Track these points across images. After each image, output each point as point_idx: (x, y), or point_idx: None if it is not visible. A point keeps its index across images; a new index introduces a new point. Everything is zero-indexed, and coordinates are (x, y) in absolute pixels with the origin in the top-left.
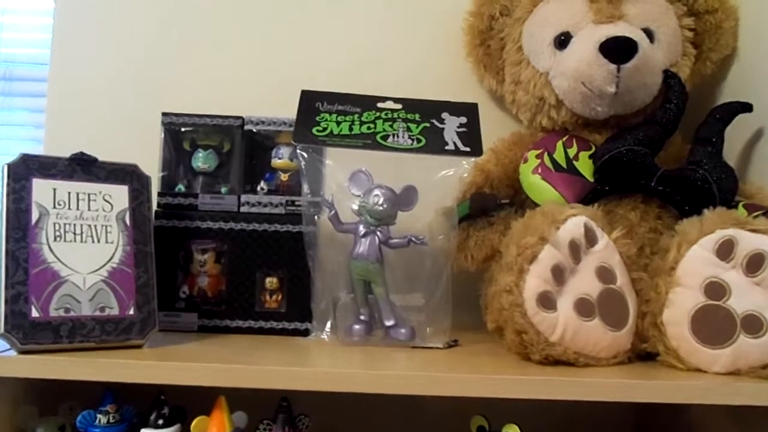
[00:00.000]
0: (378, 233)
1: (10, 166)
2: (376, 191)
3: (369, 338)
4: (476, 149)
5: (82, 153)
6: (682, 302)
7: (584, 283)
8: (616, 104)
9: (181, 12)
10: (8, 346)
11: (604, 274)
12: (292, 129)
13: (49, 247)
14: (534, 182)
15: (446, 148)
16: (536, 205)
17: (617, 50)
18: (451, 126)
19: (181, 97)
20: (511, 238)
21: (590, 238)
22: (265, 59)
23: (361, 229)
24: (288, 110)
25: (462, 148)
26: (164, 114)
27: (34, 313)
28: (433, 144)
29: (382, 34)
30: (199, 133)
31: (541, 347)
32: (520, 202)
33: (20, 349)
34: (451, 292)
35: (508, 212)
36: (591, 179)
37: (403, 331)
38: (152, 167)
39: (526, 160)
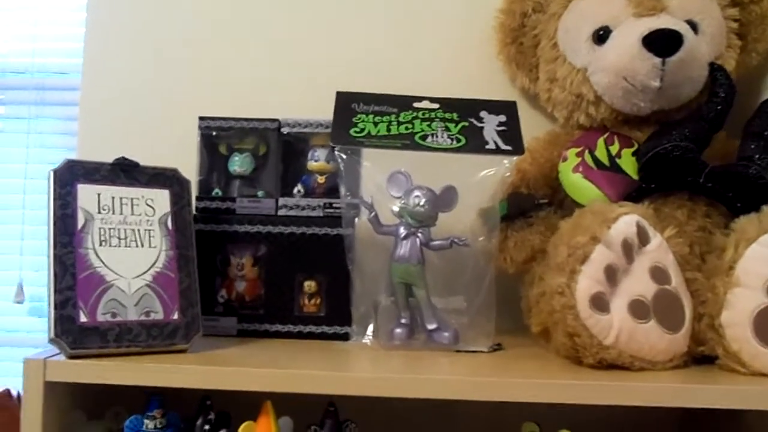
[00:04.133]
0: (419, 235)
1: (56, 172)
2: (416, 192)
3: (411, 342)
4: (518, 147)
5: (123, 158)
6: (742, 303)
7: (638, 283)
8: (659, 99)
9: (213, 16)
10: (57, 351)
11: (658, 274)
12: (328, 131)
13: (95, 252)
14: (575, 181)
15: (487, 147)
16: (577, 204)
17: (662, 43)
18: (491, 125)
19: (215, 100)
20: (560, 239)
21: (643, 237)
22: (299, 61)
23: (402, 230)
24: (322, 112)
25: (503, 146)
26: (201, 118)
27: (82, 318)
28: (474, 143)
29: (412, 34)
30: (235, 137)
31: (594, 351)
32: (559, 201)
33: (69, 354)
34: (494, 295)
35: (547, 212)
36: (635, 177)
37: (446, 334)
38: (187, 172)
39: (565, 159)
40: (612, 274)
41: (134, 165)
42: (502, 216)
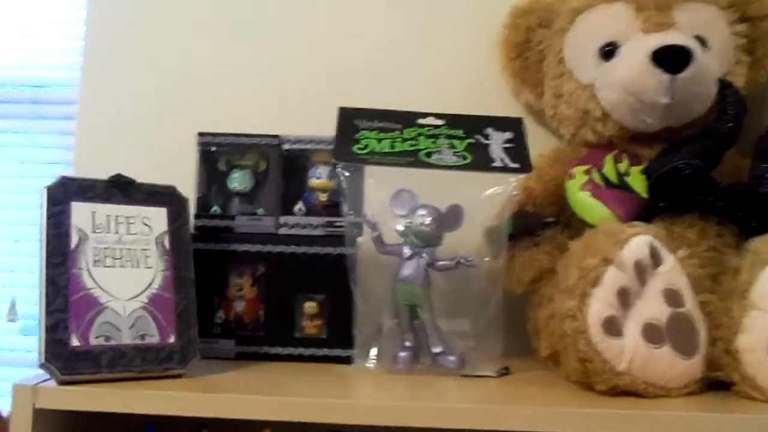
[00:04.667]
0: (424, 255)
1: (49, 189)
2: (421, 211)
3: (415, 366)
4: (525, 165)
5: (119, 175)
6: (759, 327)
7: (651, 306)
8: (668, 116)
9: (213, 32)
10: (48, 376)
11: (672, 296)
12: (330, 147)
13: (89, 273)
14: (583, 200)
15: (494, 164)
16: (585, 223)
17: (671, 59)
18: (497, 141)
19: (215, 116)
20: (570, 260)
21: (656, 259)
22: (301, 76)
23: (406, 250)
24: (324, 129)
25: (510, 164)
26: (200, 134)
27: (75, 342)
28: (480, 160)
29: (416, 49)
30: (234, 153)
31: (607, 377)
32: (565, 219)
33: (60, 380)
34: (501, 317)
35: (553, 231)
36: (644, 195)
37: (451, 358)
38: (186, 189)
39: (572, 177)
40: (625, 297)
41: (130, 182)
42: (508, 235)
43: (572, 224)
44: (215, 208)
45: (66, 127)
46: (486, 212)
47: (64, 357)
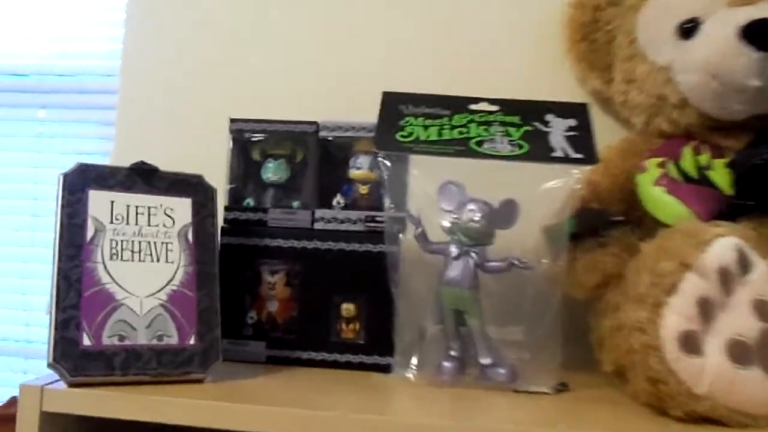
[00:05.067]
0: (473, 255)
1: (66, 176)
2: (471, 206)
3: (461, 378)
4: (590, 156)
5: (142, 162)
6: None
7: (738, 320)
8: (758, 101)
9: (250, 14)
10: (57, 378)
11: (763, 309)
12: (372, 135)
13: (105, 267)
14: (657, 196)
15: (554, 154)
16: (659, 222)
17: (763, 35)
18: (558, 129)
19: (254, 104)
20: (642, 264)
21: (744, 264)
22: (340, 60)
23: (453, 249)
24: (367, 116)
25: (573, 154)
26: (232, 120)
27: (86, 341)
28: (538, 150)
29: (467, 29)
30: (269, 142)
31: (682, 400)
32: (636, 218)
33: (69, 382)
34: (560, 326)
35: (621, 231)
36: (728, 192)
37: (502, 371)
38: (225, 181)
39: (644, 170)
40: (706, 309)
41: (153, 170)
42: (570, 235)
43: (643, 223)
44: (248, 201)
45: (107, 117)
46: (544, 208)
47: (73, 357)
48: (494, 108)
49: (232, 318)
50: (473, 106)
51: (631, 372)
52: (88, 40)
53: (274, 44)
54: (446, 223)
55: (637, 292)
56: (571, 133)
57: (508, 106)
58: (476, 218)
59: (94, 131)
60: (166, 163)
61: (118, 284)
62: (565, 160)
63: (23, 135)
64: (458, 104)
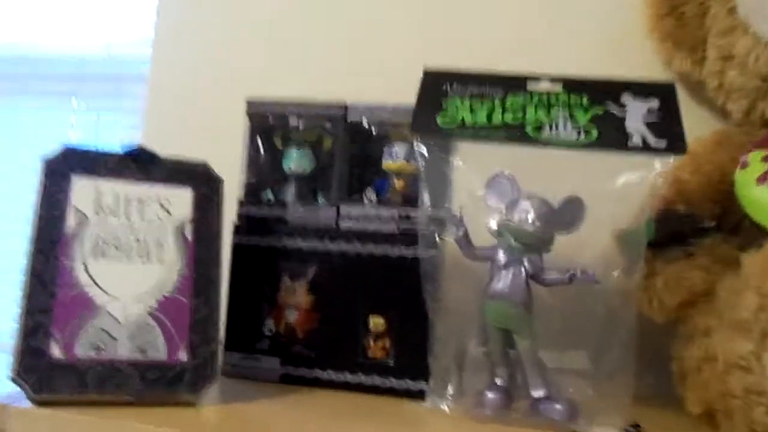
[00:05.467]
0: (525, 263)
1: (48, 161)
2: (525, 204)
3: (507, 413)
4: (677, 145)
5: (140, 146)
6: None
7: None
8: None
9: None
10: (22, 394)
11: None
12: (409, 118)
13: (85, 266)
14: (760, 196)
15: (631, 142)
16: (762, 229)
17: None
18: (636, 112)
19: (290, 89)
20: (743, 281)
21: None
22: (374, 35)
23: (502, 256)
24: (404, 98)
25: (654, 143)
26: (249, 102)
27: (56, 353)
28: (611, 137)
29: (521, 2)
30: (291, 126)
31: None
32: (731, 224)
33: (33, 399)
34: (633, 353)
35: (713, 239)
36: None
37: (558, 406)
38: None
39: (745, 166)
40: None
41: (151, 156)
42: (648, 242)
43: (741, 230)
44: (268, 195)
45: (138, 106)
46: (617, 209)
47: (39, 371)
48: (557, 88)
49: (247, 329)
50: (531, 86)
51: (727, 420)
52: (120, 26)
53: (308, 22)
54: (494, 224)
55: (737, 317)
56: (653, 118)
57: (574, 84)
58: (531, 219)
59: (126, 120)
60: (195, 155)
61: (99, 286)
62: (645, 149)
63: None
64: (513, 83)
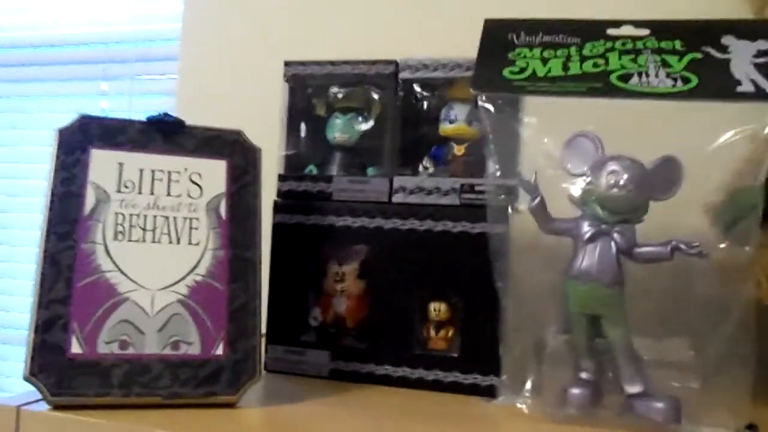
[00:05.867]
0: (615, 236)
1: (63, 131)
2: (613, 165)
3: (596, 412)
4: None
5: (165, 114)
6: None
7: None
8: None
9: None
10: (39, 396)
11: None
12: (469, 74)
13: (106, 250)
14: None
15: (740, 89)
16: None
17: None
18: (743, 55)
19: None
20: None
21: None
22: None
23: (587, 228)
24: (462, 52)
25: None
26: (287, 64)
27: (76, 348)
28: (714, 84)
29: None
30: (335, 91)
31: None
32: None
33: (51, 402)
34: (748, 341)
35: None
36: None
37: (658, 405)
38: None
39: None
40: None
41: (178, 124)
42: (764, 210)
43: None
44: (311, 168)
45: (171, 88)
46: (722, 170)
47: (58, 369)
48: (644, 32)
49: (290, 320)
50: (612, 31)
51: None
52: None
53: None
54: (576, 191)
55: None
56: (765, 59)
57: (663, 28)
58: (622, 182)
59: (157, 103)
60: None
61: (122, 272)
62: (759, 95)
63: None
64: (591, 30)
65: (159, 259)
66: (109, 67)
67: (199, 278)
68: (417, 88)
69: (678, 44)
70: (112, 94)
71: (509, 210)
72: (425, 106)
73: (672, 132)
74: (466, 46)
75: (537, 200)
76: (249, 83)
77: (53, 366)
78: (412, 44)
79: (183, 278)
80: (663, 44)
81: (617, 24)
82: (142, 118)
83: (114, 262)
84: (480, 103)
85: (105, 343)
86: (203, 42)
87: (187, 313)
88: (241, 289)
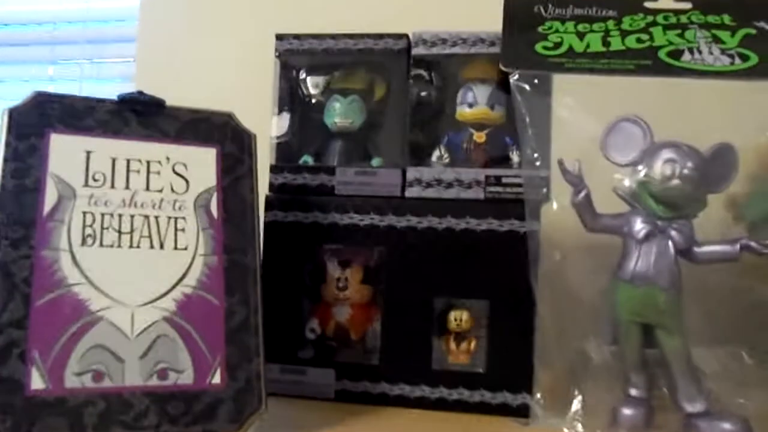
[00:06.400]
0: (673, 234)
1: (13, 113)
2: (669, 154)
3: None
4: None
5: (140, 92)
6: None
7: None
8: None
9: None
10: None
11: None
12: (492, 50)
13: (73, 257)
14: None
15: None
16: None
17: None
18: None
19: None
20: None
21: None
22: None
23: (640, 226)
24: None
25: None
26: (279, 37)
27: (37, 383)
28: None
29: None
30: (335, 68)
31: None
32: None
33: None
34: None
35: None
36: None
37: (725, 426)
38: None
39: None
40: None
41: (156, 104)
42: None
43: None
44: (306, 158)
45: (127, 71)
46: None
47: (16, 410)
48: (686, 5)
49: (283, 333)
50: (650, 4)
51: None
52: None
53: None
54: (628, 183)
55: None
56: None
57: (709, 1)
58: (686, 173)
59: (113, 90)
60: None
61: (94, 285)
62: None
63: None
64: (626, 2)
65: (139, 268)
66: (57, 49)
67: (188, 290)
68: (430, 63)
69: (727, 18)
70: (60, 79)
71: (543, 206)
72: (439, 87)
73: (725, 114)
74: (475, 22)
75: (583, 194)
76: (228, 63)
77: (9, 406)
78: (412, 17)
79: (169, 291)
80: (710, 18)
81: None
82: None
83: (83, 273)
84: (513, 81)
85: (74, 375)
86: (166, 20)
87: (176, 334)
88: (240, 302)
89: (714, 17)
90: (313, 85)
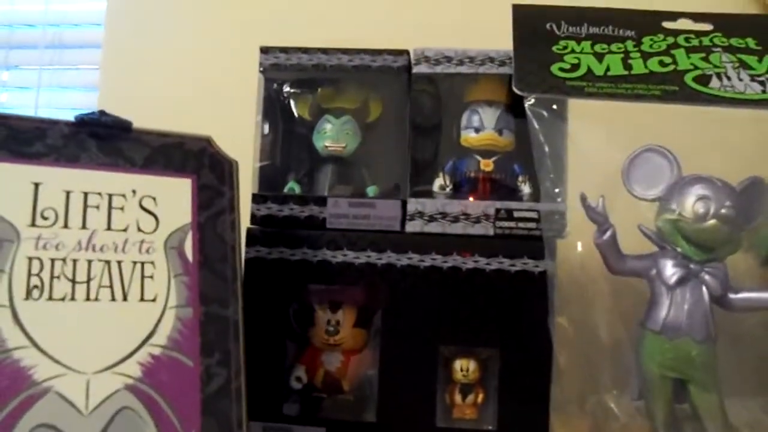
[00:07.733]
0: (707, 278)
1: None
2: (701, 190)
3: None
4: None
5: (101, 112)
6: None
7: None
8: None
9: None
10: None
11: None
12: (502, 71)
13: (14, 315)
14: None
15: None
16: None
17: None
18: None
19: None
20: None
21: None
22: None
23: (672, 270)
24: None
25: None
26: (264, 50)
27: None
28: None
29: None
30: (324, 86)
31: None
32: None
33: None
34: None
35: None
36: None
37: None
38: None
39: None
40: None
41: (121, 126)
42: None
43: None
44: (292, 185)
45: (90, 80)
46: None
47: None
48: (706, 27)
49: (265, 385)
50: (668, 24)
51: None
52: None
53: None
54: (661, 223)
55: None
56: None
57: (729, 23)
58: (724, 212)
59: (74, 99)
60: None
61: (40, 349)
62: None
63: None
64: (644, 21)
65: (97, 326)
66: (12, 54)
67: (157, 351)
68: (432, 83)
69: (752, 42)
70: (13, 86)
71: (558, 243)
72: (442, 108)
73: (756, 147)
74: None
75: (608, 233)
76: (206, 77)
77: None
78: (414, 34)
79: (133, 352)
80: (734, 42)
81: (673, 16)
82: (68, 117)
83: (26, 334)
84: (529, 107)
85: None
86: (136, 24)
87: (141, 406)
88: (219, 363)
89: (737, 40)
90: (300, 104)
